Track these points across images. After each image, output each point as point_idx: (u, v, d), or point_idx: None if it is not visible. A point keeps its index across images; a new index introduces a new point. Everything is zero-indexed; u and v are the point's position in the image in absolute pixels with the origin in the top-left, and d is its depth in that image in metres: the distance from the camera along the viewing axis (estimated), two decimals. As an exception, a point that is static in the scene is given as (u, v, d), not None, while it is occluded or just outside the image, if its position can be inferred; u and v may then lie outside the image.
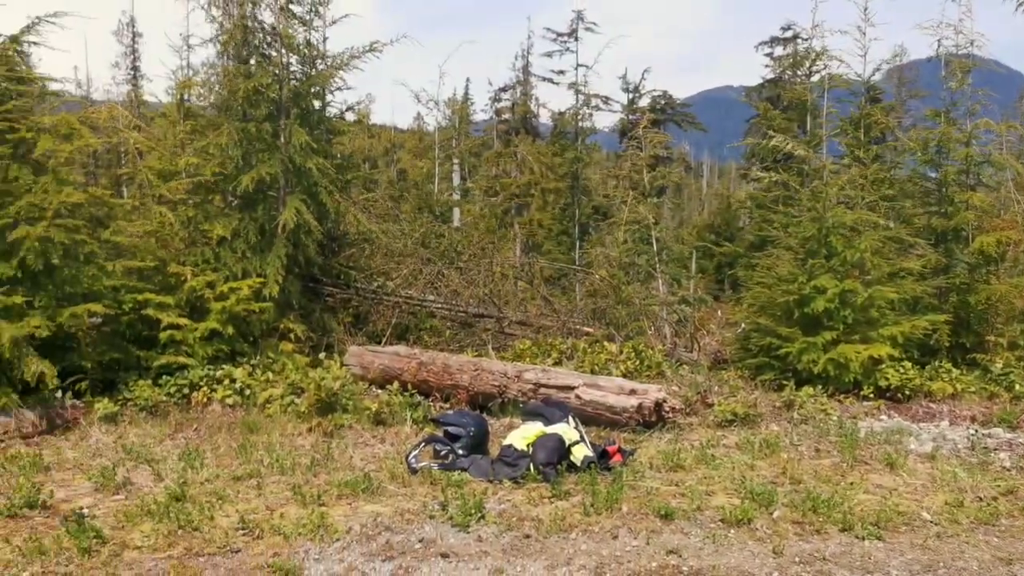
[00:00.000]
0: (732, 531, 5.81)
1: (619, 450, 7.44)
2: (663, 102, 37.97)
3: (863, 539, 5.68)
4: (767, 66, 31.99)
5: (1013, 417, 9.39)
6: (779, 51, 31.65)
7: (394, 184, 29.04)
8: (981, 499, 6.53)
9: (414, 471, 7.04)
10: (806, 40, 19.92)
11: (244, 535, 5.66)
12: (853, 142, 13.25)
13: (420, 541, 5.58)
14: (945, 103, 12.79)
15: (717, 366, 12.29)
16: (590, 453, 7.21)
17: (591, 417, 8.53)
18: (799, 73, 21.12)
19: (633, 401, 8.50)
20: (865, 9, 11.86)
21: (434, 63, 30.70)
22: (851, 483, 6.90)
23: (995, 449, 8.10)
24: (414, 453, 7.31)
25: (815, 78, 16.54)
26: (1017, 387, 10.35)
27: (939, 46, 13.02)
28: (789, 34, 30.64)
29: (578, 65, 26.76)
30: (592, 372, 10.29)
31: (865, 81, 12.86)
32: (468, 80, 41.18)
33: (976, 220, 12.05)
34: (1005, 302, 11.73)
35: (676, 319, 14.34)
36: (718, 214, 34.99)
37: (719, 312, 17.72)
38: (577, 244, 24.11)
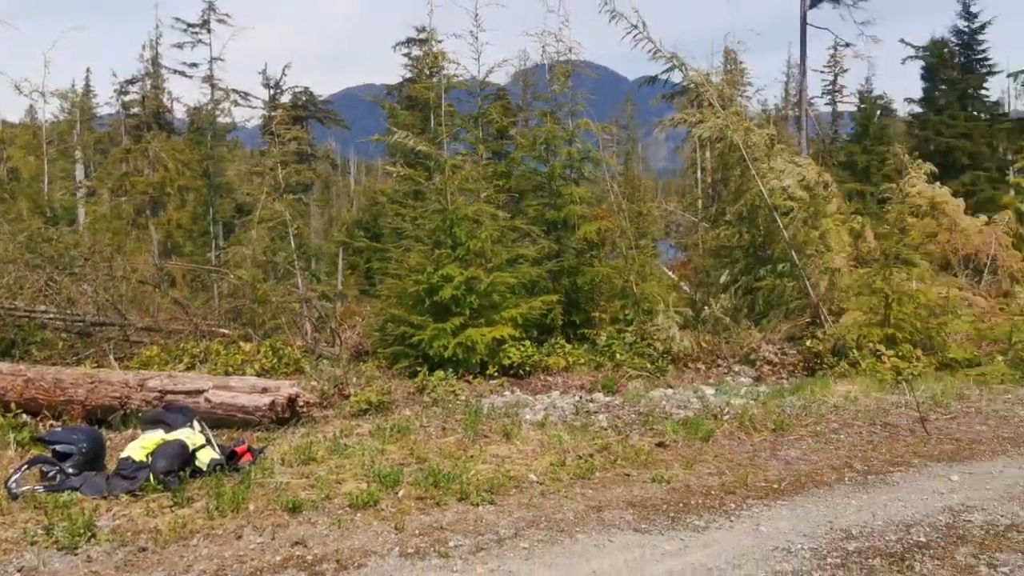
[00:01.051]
0: (359, 515, 5.97)
1: (248, 449, 7.32)
2: (304, 98, 37.77)
3: (478, 505, 6.12)
4: (406, 65, 33.12)
5: (613, 383, 10.60)
6: (416, 51, 32.91)
7: (3, 185, 26.01)
8: (580, 457, 7.30)
9: (15, 497, 6.43)
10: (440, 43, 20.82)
11: None
12: (473, 139, 14.11)
13: (19, 571, 5.14)
14: (551, 104, 14.06)
15: (358, 359, 12.46)
16: (217, 456, 7.03)
17: (223, 419, 8.32)
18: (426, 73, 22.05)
19: (266, 399, 8.42)
20: (476, 16, 12.65)
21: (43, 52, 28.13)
22: (471, 456, 7.36)
23: (595, 412, 9.10)
24: (15, 477, 6.65)
25: (435, 78, 17.35)
26: (618, 356, 11.68)
27: (543, 52, 14.29)
28: (424, 35, 31.92)
29: (212, 58, 25.93)
30: (226, 374, 10.04)
31: (480, 82, 13.73)
32: (89, 71, 37.99)
33: (581, 211, 13.35)
34: (606, 282, 13.20)
35: (316, 315, 14.39)
36: (366, 210, 35.54)
37: (368, 306, 17.99)
38: (215, 243, 23.34)
